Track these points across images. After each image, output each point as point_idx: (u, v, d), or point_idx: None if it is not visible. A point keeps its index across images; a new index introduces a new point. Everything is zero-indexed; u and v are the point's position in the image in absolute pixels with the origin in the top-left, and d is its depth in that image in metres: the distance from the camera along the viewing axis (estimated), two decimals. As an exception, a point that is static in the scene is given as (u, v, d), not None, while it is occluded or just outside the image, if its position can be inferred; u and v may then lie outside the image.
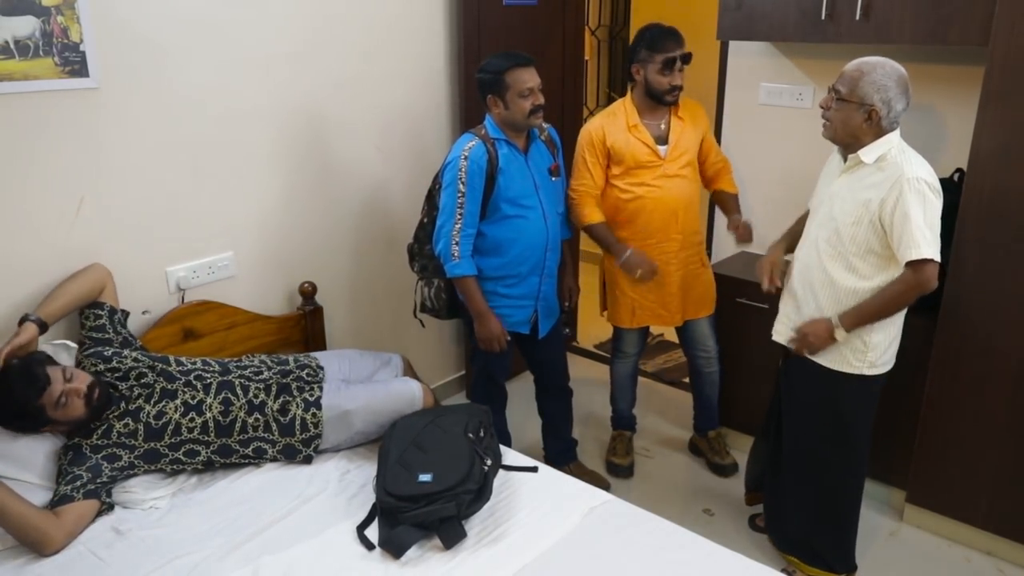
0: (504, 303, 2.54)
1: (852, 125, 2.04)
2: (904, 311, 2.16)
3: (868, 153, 2.05)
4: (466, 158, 2.36)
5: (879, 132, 2.04)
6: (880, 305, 2.08)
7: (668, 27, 2.61)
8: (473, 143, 2.39)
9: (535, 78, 2.37)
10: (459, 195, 2.37)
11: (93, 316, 2.17)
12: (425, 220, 2.59)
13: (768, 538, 2.57)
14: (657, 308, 2.82)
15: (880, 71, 2.00)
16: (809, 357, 2.21)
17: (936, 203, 2.00)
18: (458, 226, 2.38)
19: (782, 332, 2.32)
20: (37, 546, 1.81)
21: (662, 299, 2.80)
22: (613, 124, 2.66)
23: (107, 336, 2.16)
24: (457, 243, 2.39)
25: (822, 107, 2.10)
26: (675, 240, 2.73)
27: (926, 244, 1.96)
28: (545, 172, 2.53)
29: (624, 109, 2.68)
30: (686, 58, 2.60)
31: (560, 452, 2.92)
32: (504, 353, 2.59)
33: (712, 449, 3.08)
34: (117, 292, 2.26)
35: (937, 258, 1.98)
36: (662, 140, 2.66)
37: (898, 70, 2.01)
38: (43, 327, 2.03)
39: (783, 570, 2.44)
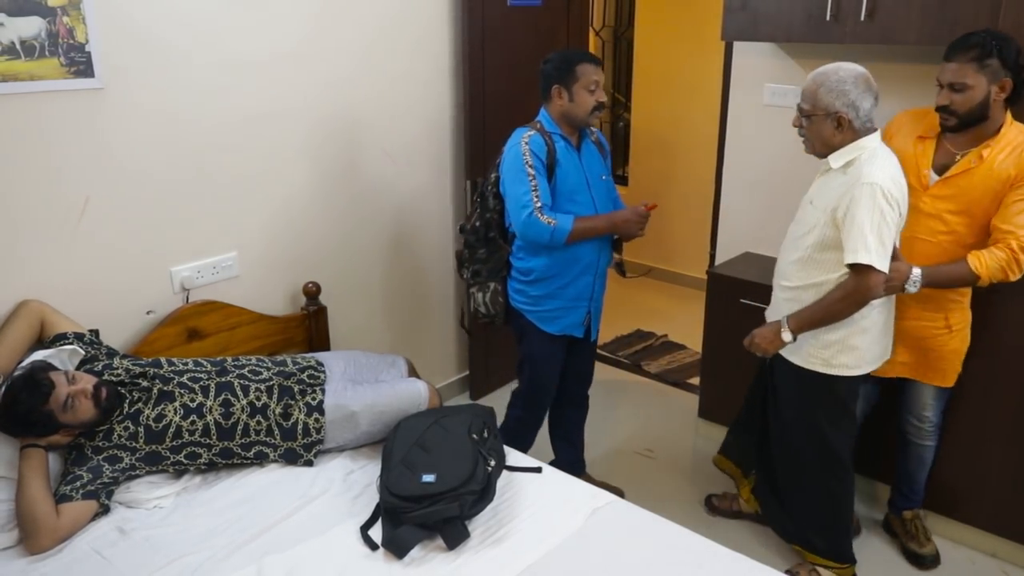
0: (557, 305, 2.50)
1: (826, 136, 2.05)
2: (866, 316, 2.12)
3: (836, 159, 2.06)
4: (527, 143, 2.34)
5: (855, 135, 2.03)
6: (821, 310, 2.08)
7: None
8: (531, 133, 2.37)
9: (602, 75, 2.38)
10: (529, 177, 2.32)
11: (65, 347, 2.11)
12: (478, 223, 2.54)
13: (771, 528, 2.59)
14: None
15: (835, 76, 2.00)
16: (783, 355, 2.25)
17: (888, 212, 1.96)
18: (538, 204, 2.31)
19: None
20: (29, 536, 1.81)
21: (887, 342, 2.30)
22: (914, 125, 2.27)
23: (89, 355, 2.13)
24: (543, 214, 2.31)
25: (795, 126, 2.13)
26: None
27: (865, 250, 1.94)
28: (596, 171, 2.50)
29: (934, 116, 2.18)
30: (951, 86, 2.07)
31: (572, 463, 2.87)
32: (556, 358, 2.57)
33: (907, 532, 2.58)
34: (64, 315, 2.16)
35: (879, 266, 1.95)
36: (942, 169, 2.19)
37: (855, 70, 2.00)
38: None
39: (787, 571, 2.44)
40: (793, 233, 2.22)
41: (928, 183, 2.19)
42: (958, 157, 2.15)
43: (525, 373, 2.65)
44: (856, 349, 2.15)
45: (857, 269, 1.98)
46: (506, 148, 2.43)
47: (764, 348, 2.21)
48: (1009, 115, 2.11)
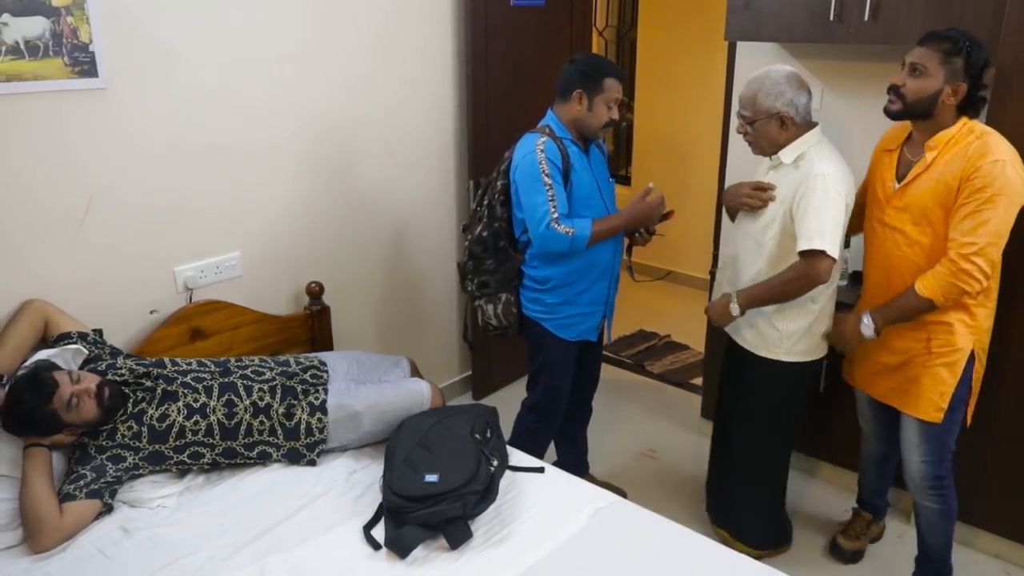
0: (574, 311, 2.46)
1: (772, 135, 2.17)
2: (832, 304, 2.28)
3: (787, 153, 2.17)
4: (542, 150, 2.29)
5: (798, 130, 2.16)
6: (770, 288, 2.18)
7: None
8: (544, 139, 2.31)
9: (621, 93, 2.38)
10: (546, 186, 2.27)
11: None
12: (485, 234, 2.47)
13: (705, 510, 2.67)
14: (868, 366, 2.30)
15: (769, 80, 2.14)
16: (738, 343, 2.37)
17: (838, 201, 2.06)
18: (555, 215, 2.26)
19: None
20: (33, 535, 1.82)
21: (870, 358, 2.28)
22: (888, 140, 2.22)
23: (92, 354, 2.13)
24: (560, 224, 2.26)
25: (740, 133, 2.23)
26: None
27: (819, 237, 2.03)
28: (603, 174, 2.49)
29: (902, 129, 2.16)
30: (912, 67, 2.01)
31: (576, 465, 2.87)
32: (572, 363, 2.56)
33: (846, 529, 2.60)
34: (68, 315, 2.17)
35: (831, 252, 2.04)
36: (903, 179, 2.10)
37: (785, 70, 2.15)
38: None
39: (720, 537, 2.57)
40: (751, 228, 2.28)
41: (891, 194, 2.12)
42: (915, 159, 2.08)
43: (541, 383, 2.58)
44: (813, 337, 2.28)
45: (810, 255, 2.06)
46: (518, 156, 2.35)
47: (717, 320, 2.33)
48: (964, 118, 2.02)
